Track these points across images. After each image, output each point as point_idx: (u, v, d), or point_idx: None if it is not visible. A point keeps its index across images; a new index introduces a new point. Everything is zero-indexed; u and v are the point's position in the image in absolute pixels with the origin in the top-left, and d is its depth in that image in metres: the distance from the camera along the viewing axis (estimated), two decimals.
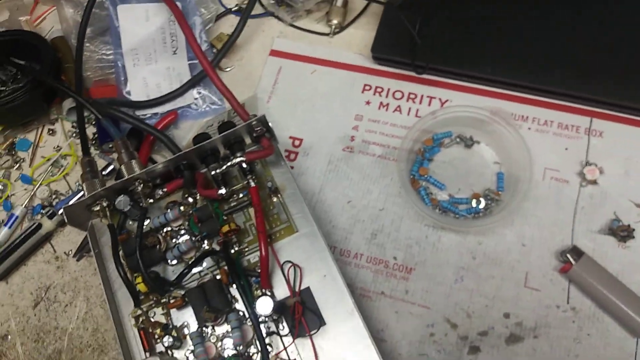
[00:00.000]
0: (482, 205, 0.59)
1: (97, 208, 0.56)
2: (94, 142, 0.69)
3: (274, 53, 0.71)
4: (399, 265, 0.59)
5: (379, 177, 0.63)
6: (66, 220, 0.55)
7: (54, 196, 0.68)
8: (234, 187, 0.58)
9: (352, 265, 0.60)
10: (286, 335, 0.53)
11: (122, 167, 0.58)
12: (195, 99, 0.68)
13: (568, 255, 0.56)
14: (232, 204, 0.58)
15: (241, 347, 0.52)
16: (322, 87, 0.68)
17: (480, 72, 0.63)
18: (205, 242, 0.57)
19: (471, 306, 0.57)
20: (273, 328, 0.53)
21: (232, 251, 0.56)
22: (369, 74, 0.68)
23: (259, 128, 0.56)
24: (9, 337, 0.62)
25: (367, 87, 0.67)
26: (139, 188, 0.56)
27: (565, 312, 0.56)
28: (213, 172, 0.56)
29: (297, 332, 0.52)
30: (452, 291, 0.58)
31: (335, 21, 0.69)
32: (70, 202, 0.64)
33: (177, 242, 0.57)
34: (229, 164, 0.56)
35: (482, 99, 0.64)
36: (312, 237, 0.56)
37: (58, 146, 0.71)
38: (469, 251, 0.59)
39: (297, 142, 0.66)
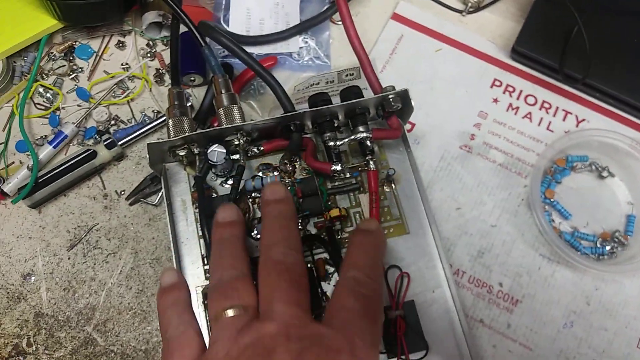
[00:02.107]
0: (608, 248, 0.52)
1: (183, 152, 0.47)
2: (169, 69, 0.59)
3: (397, 17, 0.61)
4: (504, 293, 0.52)
5: (495, 188, 0.55)
6: (148, 159, 0.46)
7: (112, 122, 0.58)
8: (349, 166, 0.49)
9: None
10: (382, 353, 0.45)
11: (221, 111, 0.48)
12: (300, 48, 0.59)
13: None
14: (337, 184, 0.50)
15: None
16: (445, 70, 0.59)
17: (636, 100, 0.55)
18: (300, 221, 0.48)
19: (577, 357, 0.50)
20: None
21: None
22: (501, 68, 0.59)
23: (396, 104, 0.47)
24: (33, 277, 0.53)
25: (497, 83, 0.59)
26: (240, 141, 0.47)
27: None
28: (331, 143, 0.48)
29: (399, 353, 0.44)
30: (559, 335, 0.51)
31: None
32: (143, 133, 0.55)
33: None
34: (352, 137, 0.48)
35: (623, 128, 0.57)
36: (424, 244, 0.49)
37: (126, 64, 0.60)
38: (584, 295, 0.52)
39: (408, 126, 0.57)
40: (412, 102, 0.47)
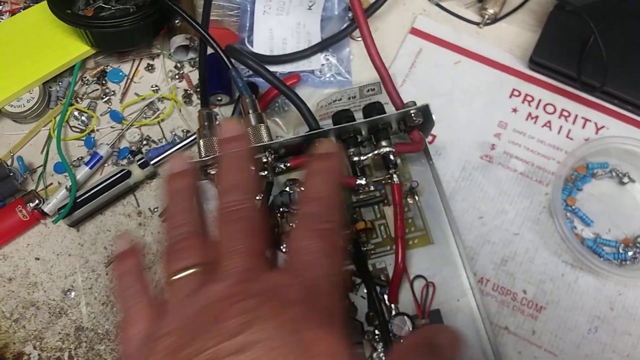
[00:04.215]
0: (630, 253, 0.53)
1: (214, 172, 0.49)
2: (197, 89, 0.62)
3: (415, 32, 0.63)
4: (528, 300, 0.53)
5: (517, 197, 0.56)
6: None
7: (144, 142, 0.60)
8: (374, 180, 0.51)
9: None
10: None
11: (249, 130, 0.50)
12: (322, 65, 0.61)
13: None
14: (362, 197, 0.52)
15: None
16: (464, 82, 0.60)
17: None
18: None
19: None
20: None
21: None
22: (520, 78, 0.60)
23: (417, 119, 0.49)
24: (73, 293, 0.55)
25: (516, 93, 0.60)
26: (268, 159, 0.49)
27: None
28: (356, 159, 0.49)
29: None
30: (584, 341, 0.52)
31: (491, 10, 0.62)
32: (172, 154, 0.57)
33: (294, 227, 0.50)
34: (376, 152, 0.50)
35: None
36: (448, 254, 0.50)
37: (156, 86, 0.63)
38: (607, 300, 0.53)
39: (429, 139, 0.58)
40: (433, 117, 0.49)
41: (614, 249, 0.54)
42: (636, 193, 0.56)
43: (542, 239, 0.55)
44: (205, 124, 0.52)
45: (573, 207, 0.55)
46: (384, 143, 0.50)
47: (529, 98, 0.60)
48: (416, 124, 0.49)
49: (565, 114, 0.59)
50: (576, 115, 0.59)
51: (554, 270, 0.54)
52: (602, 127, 0.58)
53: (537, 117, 0.59)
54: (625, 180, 0.56)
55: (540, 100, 0.59)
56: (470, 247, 0.54)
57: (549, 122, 0.59)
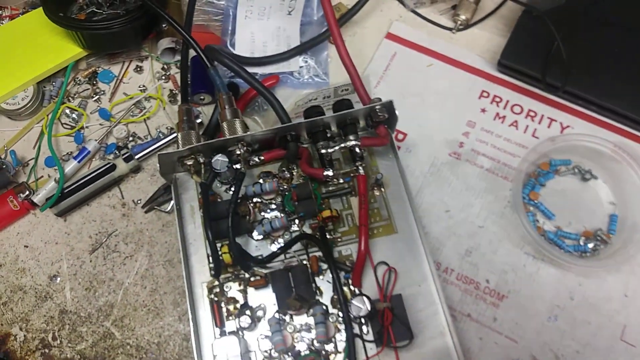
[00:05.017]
0: (590, 245, 0.55)
1: (190, 162, 0.52)
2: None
3: (391, 36, 0.66)
4: (490, 289, 0.55)
5: (483, 192, 0.58)
6: (159, 168, 0.51)
7: (130, 138, 0.64)
8: (339, 171, 0.53)
9: (441, 279, 0.56)
10: (370, 342, 0.49)
11: (224, 124, 0.53)
12: (301, 67, 0.64)
13: None
14: (330, 188, 0.54)
15: (320, 344, 0.48)
16: (436, 84, 0.63)
17: (614, 105, 0.59)
18: (296, 222, 0.53)
19: (561, 349, 0.53)
20: (356, 330, 0.49)
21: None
22: (489, 80, 0.63)
23: (382, 114, 0.52)
24: (59, 278, 0.58)
25: (485, 94, 0.63)
26: (241, 151, 0.52)
27: None
28: (324, 151, 0.52)
29: (385, 341, 0.48)
30: (543, 329, 0.54)
31: (463, 17, 0.65)
32: (157, 148, 0.60)
33: (265, 216, 0.53)
34: (342, 145, 0.52)
35: (606, 133, 0.60)
36: (411, 242, 0.52)
37: (143, 86, 0.66)
38: (568, 290, 0.55)
39: (400, 136, 0.61)
40: (397, 112, 0.51)
41: (575, 242, 0.56)
42: (598, 189, 0.58)
43: (506, 231, 0.57)
44: (185, 118, 0.55)
45: (536, 201, 0.57)
46: (351, 137, 0.53)
47: (497, 99, 0.62)
48: (381, 119, 0.52)
49: (532, 114, 0.62)
50: (542, 115, 0.61)
51: (516, 261, 0.56)
52: (568, 126, 0.61)
53: (504, 117, 0.62)
54: (588, 176, 0.58)
55: (508, 101, 0.62)
56: (436, 239, 0.57)
57: (516, 121, 0.61)
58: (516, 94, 0.62)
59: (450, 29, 0.66)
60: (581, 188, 0.58)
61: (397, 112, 0.51)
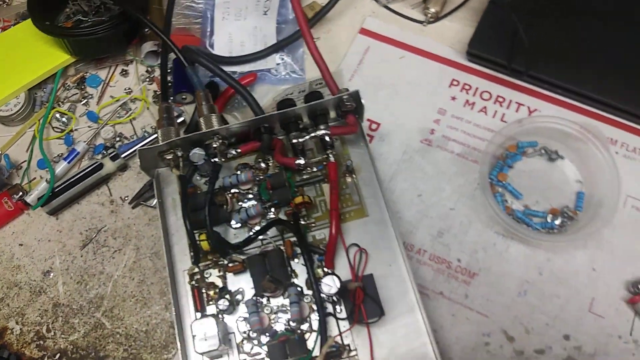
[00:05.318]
0: (557, 222, 0.57)
1: (170, 156, 0.55)
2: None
3: (364, 32, 0.69)
4: (462, 268, 0.57)
5: (453, 176, 0.61)
6: (139, 162, 0.54)
7: (117, 138, 0.67)
8: (311, 160, 0.56)
9: (414, 260, 0.58)
10: (343, 319, 0.51)
11: (201, 119, 0.56)
12: (277, 64, 0.67)
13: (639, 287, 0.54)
14: (305, 177, 0.57)
15: (295, 324, 0.51)
16: (408, 75, 0.66)
17: (578, 87, 0.61)
18: (273, 210, 0.55)
19: (531, 322, 0.55)
20: (330, 309, 0.51)
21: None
22: (458, 69, 0.66)
23: (349, 103, 0.54)
24: (52, 274, 0.61)
25: (455, 83, 0.65)
26: (217, 144, 0.55)
27: (626, 343, 0.54)
28: (295, 141, 0.55)
29: (356, 318, 0.50)
30: (513, 304, 0.56)
31: (433, 10, 0.67)
32: (142, 146, 0.63)
33: (243, 205, 0.56)
34: (312, 134, 0.55)
35: (572, 114, 0.62)
36: (382, 225, 0.55)
37: (129, 88, 0.69)
38: (537, 266, 0.57)
39: (374, 126, 0.64)
40: (363, 101, 0.54)
41: (542, 219, 0.58)
42: (565, 168, 0.60)
43: (476, 212, 0.59)
44: (164, 115, 0.58)
45: (504, 182, 0.59)
46: (322, 127, 0.55)
47: (467, 86, 0.65)
48: (349, 108, 0.55)
49: (500, 99, 0.64)
50: (510, 101, 0.64)
51: (487, 240, 0.58)
52: (535, 110, 0.63)
53: (474, 103, 0.64)
54: (554, 157, 0.60)
55: (477, 88, 0.64)
56: (409, 222, 0.59)
57: (485, 107, 0.64)
58: (485, 81, 0.65)
59: (421, 22, 0.69)
60: (548, 168, 0.61)
61: (363, 101, 0.54)
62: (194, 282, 0.53)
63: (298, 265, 0.53)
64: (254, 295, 0.52)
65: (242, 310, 0.52)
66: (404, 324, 0.51)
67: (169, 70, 0.67)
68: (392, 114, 0.64)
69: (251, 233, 0.54)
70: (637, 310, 0.55)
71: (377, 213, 0.55)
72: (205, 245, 0.52)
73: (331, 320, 0.51)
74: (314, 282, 0.50)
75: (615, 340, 0.54)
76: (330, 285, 0.49)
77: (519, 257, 0.57)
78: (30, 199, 0.63)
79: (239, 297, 0.53)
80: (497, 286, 0.56)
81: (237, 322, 0.52)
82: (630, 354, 0.54)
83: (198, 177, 0.58)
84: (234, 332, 0.51)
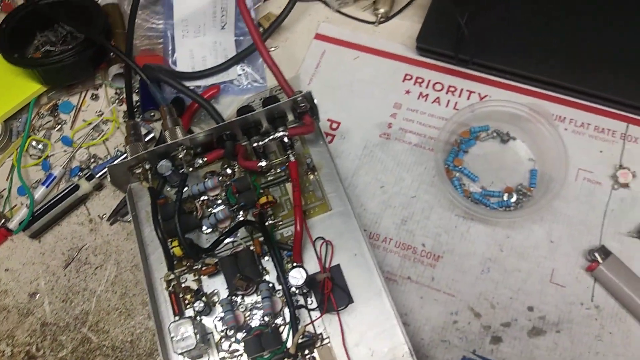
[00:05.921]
0: (513, 200, 0.60)
1: (139, 170, 0.58)
2: (135, 110, 0.71)
3: (319, 37, 0.72)
4: (427, 252, 0.60)
5: (413, 165, 0.64)
6: (109, 178, 0.57)
7: (92, 160, 0.70)
8: (273, 161, 0.59)
9: (381, 248, 0.61)
10: (314, 310, 0.54)
11: (166, 132, 0.59)
12: (239, 75, 0.70)
13: (596, 254, 0.57)
14: (269, 178, 0.60)
15: (269, 318, 0.53)
16: (363, 74, 0.69)
17: (523, 70, 0.64)
18: (241, 212, 0.58)
19: (496, 297, 0.58)
20: (301, 302, 0.54)
21: (266, 224, 0.57)
22: (410, 64, 0.69)
23: (303, 104, 0.57)
24: (38, 295, 0.64)
25: (408, 77, 0.68)
26: (181, 154, 0.57)
27: (588, 309, 0.56)
28: (255, 144, 0.58)
29: (325, 307, 0.53)
30: (477, 281, 0.58)
31: (382, 10, 0.70)
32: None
33: (213, 211, 0.58)
34: (271, 137, 0.58)
35: (521, 97, 0.65)
36: (345, 217, 0.57)
37: (100, 111, 0.72)
38: (497, 243, 0.60)
39: (334, 125, 0.67)
40: (315, 101, 0.57)
41: (499, 198, 0.61)
42: (517, 149, 0.63)
43: (436, 198, 0.62)
44: (132, 132, 0.61)
45: (460, 167, 0.62)
46: (280, 129, 0.58)
47: (419, 80, 0.68)
48: (304, 109, 0.58)
49: (452, 89, 0.67)
50: (462, 89, 0.67)
51: (448, 223, 0.61)
52: (486, 96, 0.66)
53: (427, 95, 0.67)
54: (506, 138, 0.63)
55: (429, 81, 0.68)
56: (374, 213, 0.62)
57: (438, 98, 0.67)
58: (436, 73, 0.68)
59: (372, 23, 0.72)
60: (502, 150, 0.63)
61: (316, 101, 0.57)
62: (170, 288, 0.56)
63: (268, 263, 0.56)
64: (228, 295, 0.55)
65: (219, 310, 0.55)
66: (372, 309, 0.53)
67: (136, 91, 0.70)
68: (351, 113, 0.67)
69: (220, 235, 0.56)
70: (596, 276, 0.57)
71: (340, 206, 0.58)
72: (177, 250, 0.55)
73: (303, 312, 0.54)
74: (281, 275, 0.52)
75: (577, 308, 0.57)
76: (297, 277, 0.52)
77: (480, 236, 0.60)
78: (12, 225, 0.65)
79: (214, 298, 0.55)
80: (461, 266, 0.59)
81: (214, 322, 0.54)
82: (593, 319, 0.56)
83: (168, 188, 0.60)
84: (212, 332, 0.54)
